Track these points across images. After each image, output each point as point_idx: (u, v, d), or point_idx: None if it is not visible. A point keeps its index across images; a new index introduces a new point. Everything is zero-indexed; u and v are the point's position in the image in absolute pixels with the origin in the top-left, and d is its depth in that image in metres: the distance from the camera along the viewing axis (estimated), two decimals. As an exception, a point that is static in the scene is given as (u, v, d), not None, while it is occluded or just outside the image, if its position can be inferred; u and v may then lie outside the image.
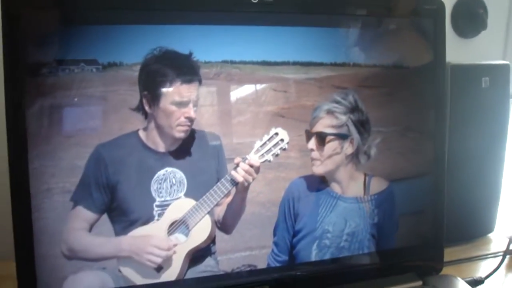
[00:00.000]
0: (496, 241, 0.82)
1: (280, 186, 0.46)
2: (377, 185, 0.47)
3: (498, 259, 0.73)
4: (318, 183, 0.46)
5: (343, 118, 0.45)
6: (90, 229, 0.41)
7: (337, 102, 0.44)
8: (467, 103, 0.76)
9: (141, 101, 0.41)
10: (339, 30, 0.49)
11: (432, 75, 0.60)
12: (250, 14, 0.45)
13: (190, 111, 0.42)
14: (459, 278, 0.65)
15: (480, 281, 0.67)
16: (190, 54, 0.41)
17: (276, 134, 0.43)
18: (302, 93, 0.46)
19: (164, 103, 0.42)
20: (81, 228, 0.40)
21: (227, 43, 0.43)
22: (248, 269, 0.47)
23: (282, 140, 0.43)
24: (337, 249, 0.47)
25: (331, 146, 0.45)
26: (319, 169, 0.45)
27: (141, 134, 0.42)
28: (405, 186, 0.50)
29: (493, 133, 0.80)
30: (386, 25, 0.58)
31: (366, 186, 0.47)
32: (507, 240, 0.75)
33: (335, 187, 0.46)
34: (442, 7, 0.61)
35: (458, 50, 1.03)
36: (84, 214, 0.41)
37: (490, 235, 0.83)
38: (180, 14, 0.44)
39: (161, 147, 0.42)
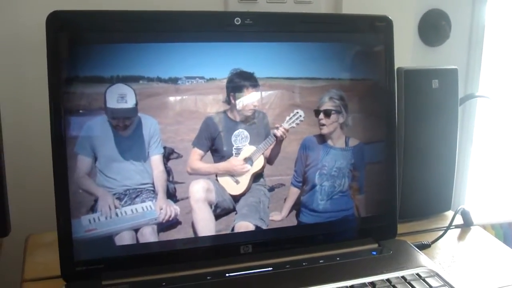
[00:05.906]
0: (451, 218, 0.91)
1: (299, 143, 0.79)
2: (352, 142, 0.80)
3: (449, 231, 0.86)
4: (320, 139, 0.79)
5: (338, 102, 0.78)
6: (201, 159, 0.76)
7: (334, 93, 0.77)
8: (420, 101, 0.88)
9: (228, 97, 0.74)
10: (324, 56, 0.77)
11: (385, 79, 0.78)
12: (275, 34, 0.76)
13: (258, 107, 0.76)
14: (409, 242, 0.79)
15: (427, 245, 0.81)
16: (254, 73, 0.74)
17: (297, 112, 0.76)
18: (310, 94, 0.78)
19: (243, 102, 0.75)
20: (196, 159, 0.75)
21: (269, 65, 0.76)
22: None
23: (300, 115, 0.76)
24: (330, 176, 0.79)
25: (333, 117, 0.78)
26: (325, 130, 0.78)
27: (227, 111, 0.75)
28: (368, 146, 0.81)
29: (444, 125, 0.91)
30: (347, 42, 0.76)
31: (346, 142, 0.80)
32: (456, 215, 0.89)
33: (329, 142, 0.79)
34: (390, 24, 0.77)
35: (425, 57, 1.19)
36: (198, 151, 0.75)
37: (447, 212, 0.96)
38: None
39: (237, 118, 0.75)
